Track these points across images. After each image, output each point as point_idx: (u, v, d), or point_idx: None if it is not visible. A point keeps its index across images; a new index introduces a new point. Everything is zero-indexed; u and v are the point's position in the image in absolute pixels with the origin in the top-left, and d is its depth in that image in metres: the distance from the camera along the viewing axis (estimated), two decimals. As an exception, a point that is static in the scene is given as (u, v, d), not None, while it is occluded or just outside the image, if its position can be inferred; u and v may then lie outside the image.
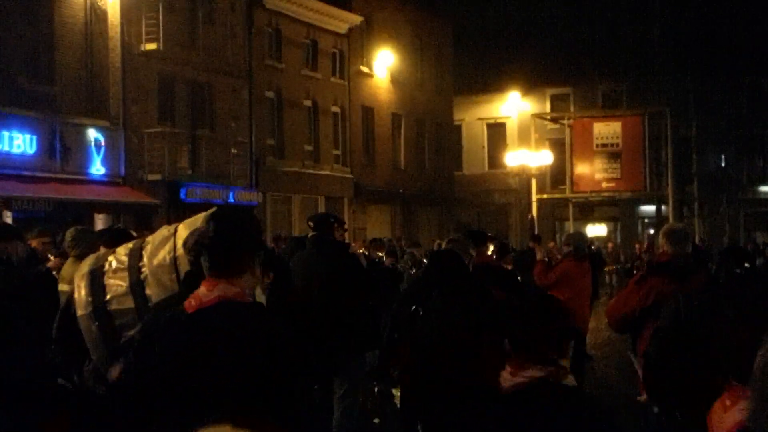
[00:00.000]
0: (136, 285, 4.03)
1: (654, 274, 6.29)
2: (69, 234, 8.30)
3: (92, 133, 23.06)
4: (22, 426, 3.22)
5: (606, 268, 27.19)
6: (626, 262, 26.44)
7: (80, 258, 7.91)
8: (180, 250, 4.20)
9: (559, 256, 13.69)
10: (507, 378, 3.10)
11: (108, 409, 3.42)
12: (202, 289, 3.25)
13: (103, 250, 4.74)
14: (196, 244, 3.97)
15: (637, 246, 29.62)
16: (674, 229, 6.65)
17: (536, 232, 27.62)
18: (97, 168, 23.21)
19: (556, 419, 2.98)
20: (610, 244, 36.40)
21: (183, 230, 4.30)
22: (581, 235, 12.86)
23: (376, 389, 10.08)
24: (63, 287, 7.94)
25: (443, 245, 7.19)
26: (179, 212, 23.99)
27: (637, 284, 6.37)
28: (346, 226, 9.37)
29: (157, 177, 24.55)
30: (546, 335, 3.12)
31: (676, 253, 6.31)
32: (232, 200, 26.96)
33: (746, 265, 6.33)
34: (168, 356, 3.17)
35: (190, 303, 3.24)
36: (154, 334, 3.28)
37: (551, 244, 22.24)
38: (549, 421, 2.98)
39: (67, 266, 8.15)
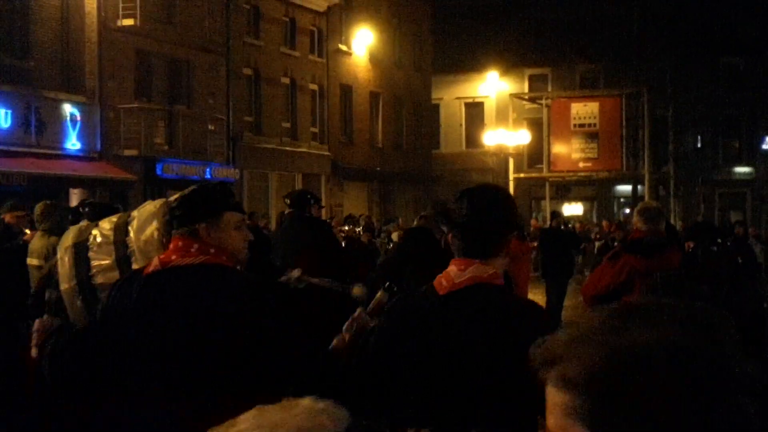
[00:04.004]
0: (123, 260, 4.05)
1: (627, 251, 6.37)
2: (38, 208, 8.28)
3: (68, 108, 22.89)
4: None
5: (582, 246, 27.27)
6: (598, 239, 26.58)
7: (49, 232, 7.90)
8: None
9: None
10: None
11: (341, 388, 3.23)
12: (453, 269, 3.03)
13: (85, 223, 4.73)
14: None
15: (605, 224, 29.89)
16: (648, 207, 6.72)
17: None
18: (73, 143, 23.04)
19: None
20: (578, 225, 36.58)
21: (170, 206, 4.31)
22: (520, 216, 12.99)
23: None
24: (32, 261, 7.91)
25: (415, 222, 7.18)
26: (155, 188, 23.90)
27: (610, 261, 6.44)
28: (323, 204, 9.41)
29: (133, 152, 24.41)
30: None
31: (649, 230, 6.39)
32: (209, 176, 26.86)
33: (719, 241, 6.46)
34: (417, 338, 3.00)
35: (441, 283, 3.03)
36: (403, 314, 3.11)
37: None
38: None
39: (36, 240, 8.12)
